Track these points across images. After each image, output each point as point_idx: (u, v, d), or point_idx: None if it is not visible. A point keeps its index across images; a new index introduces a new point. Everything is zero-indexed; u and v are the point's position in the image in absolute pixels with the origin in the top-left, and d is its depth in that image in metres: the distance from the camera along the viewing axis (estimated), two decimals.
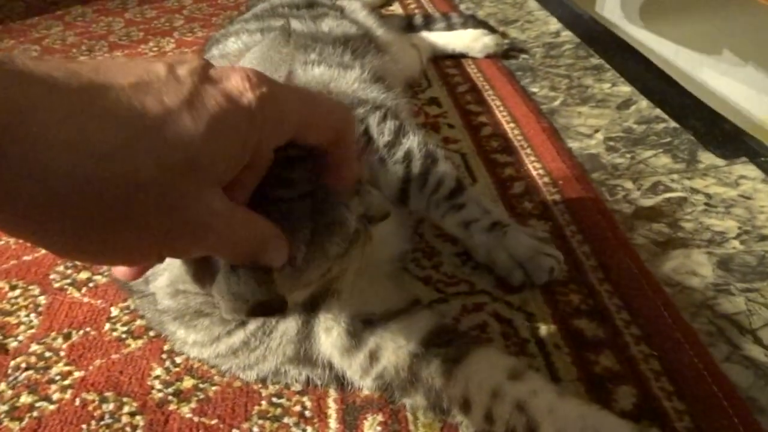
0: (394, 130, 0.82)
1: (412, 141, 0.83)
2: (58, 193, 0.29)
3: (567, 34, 1.57)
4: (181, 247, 0.36)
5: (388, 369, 0.63)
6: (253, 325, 0.62)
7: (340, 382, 0.67)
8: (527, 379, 0.61)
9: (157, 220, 0.32)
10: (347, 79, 0.91)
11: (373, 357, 0.64)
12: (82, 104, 0.30)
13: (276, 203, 0.42)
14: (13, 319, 0.82)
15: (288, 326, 0.63)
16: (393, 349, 0.63)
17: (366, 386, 0.66)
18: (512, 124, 1.16)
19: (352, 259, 0.50)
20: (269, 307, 0.40)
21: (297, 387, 0.69)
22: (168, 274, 0.55)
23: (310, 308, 0.62)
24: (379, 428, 0.63)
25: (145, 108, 0.31)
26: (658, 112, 1.18)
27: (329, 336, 0.63)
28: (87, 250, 0.34)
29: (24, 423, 0.68)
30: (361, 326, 0.64)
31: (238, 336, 0.62)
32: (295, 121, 0.38)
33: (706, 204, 0.92)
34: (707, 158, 1.02)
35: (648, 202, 0.94)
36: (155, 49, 1.76)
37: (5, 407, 0.70)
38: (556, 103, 1.25)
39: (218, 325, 0.61)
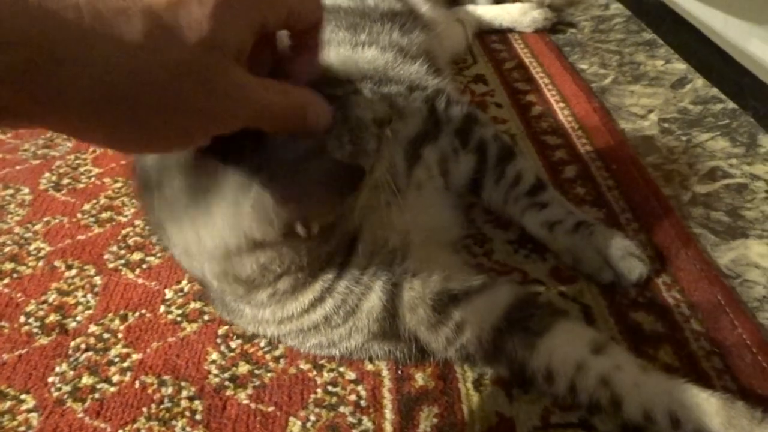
0: (462, 118, 0.81)
1: (485, 130, 0.82)
2: (114, 86, 0.34)
3: (617, 7, 1.51)
4: (226, 120, 0.40)
5: (472, 341, 0.64)
6: (331, 301, 0.63)
7: (419, 356, 0.69)
8: (610, 352, 0.61)
9: (201, 96, 0.37)
10: (407, 69, 0.89)
11: (459, 329, 0.65)
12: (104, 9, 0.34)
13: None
14: (71, 299, 0.84)
15: (373, 305, 0.64)
16: (477, 322, 0.64)
17: (449, 356, 0.68)
18: (562, 104, 1.14)
19: (383, 159, 0.55)
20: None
21: (351, 375, 0.70)
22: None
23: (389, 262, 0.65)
24: (435, 420, 0.64)
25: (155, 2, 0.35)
26: (714, 91, 1.14)
27: (414, 314, 0.65)
28: (145, 137, 0.38)
29: (87, 404, 0.70)
30: (446, 301, 0.65)
31: (319, 312, 0.63)
32: (287, 3, 0.42)
33: (767, 191, 0.89)
34: None
35: (705, 188, 0.91)
36: None
37: (68, 387, 0.72)
38: (607, 81, 1.22)
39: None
